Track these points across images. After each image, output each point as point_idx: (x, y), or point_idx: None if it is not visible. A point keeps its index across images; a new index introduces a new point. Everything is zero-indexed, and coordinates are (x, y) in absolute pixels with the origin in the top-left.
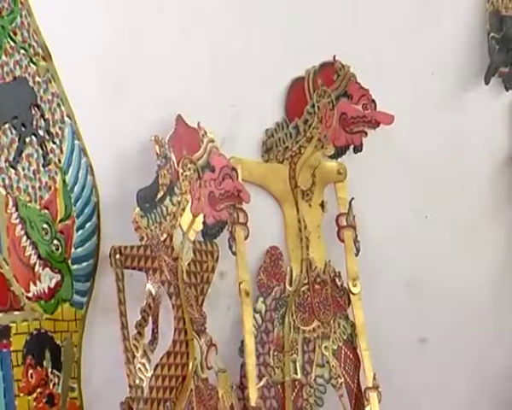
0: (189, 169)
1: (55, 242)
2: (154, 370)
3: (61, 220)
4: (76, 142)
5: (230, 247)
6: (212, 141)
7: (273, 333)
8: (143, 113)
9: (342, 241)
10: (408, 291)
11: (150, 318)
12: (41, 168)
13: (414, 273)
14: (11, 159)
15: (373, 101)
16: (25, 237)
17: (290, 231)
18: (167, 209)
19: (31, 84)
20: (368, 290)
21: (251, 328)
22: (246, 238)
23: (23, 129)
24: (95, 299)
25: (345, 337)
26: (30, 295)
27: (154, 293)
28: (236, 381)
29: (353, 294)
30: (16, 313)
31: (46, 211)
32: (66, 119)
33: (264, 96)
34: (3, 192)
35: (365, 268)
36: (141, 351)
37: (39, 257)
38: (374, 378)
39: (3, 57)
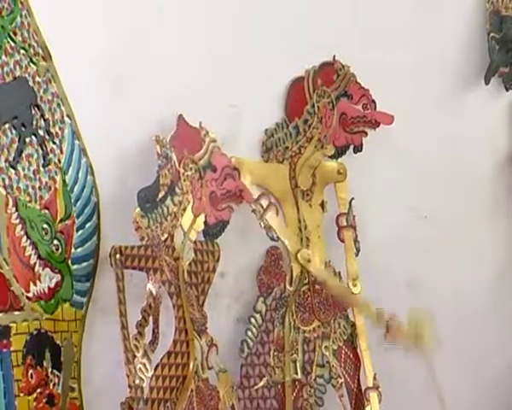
0: (191, 169)
1: (55, 242)
2: (155, 370)
3: (61, 220)
4: (76, 142)
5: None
6: (214, 141)
7: (273, 333)
8: (143, 113)
9: (342, 241)
10: (408, 291)
11: (151, 318)
12: (41, 168)
13: (414, 273)
14: (11, 159)
15: (373, 101)
16: (25, 237)
17: (290, 231)
18: (168, 209)
19: (31, 84)
20: (368, 290)
21: None
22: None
23: (23, 129)
24: (95, 299)
25: (345, 337)
26: (30, 295)
27: (154, 293)
28: (237, 381)
29: (354, 294)
30: (16, 313)
31: (46, 211)
32: (66, 119)
33: (264, 96)
34: (3, 192)
35: (365, 268)
36: (141, 351)
37: (39, 257)
38: (374, 378)
39: (3, 57)
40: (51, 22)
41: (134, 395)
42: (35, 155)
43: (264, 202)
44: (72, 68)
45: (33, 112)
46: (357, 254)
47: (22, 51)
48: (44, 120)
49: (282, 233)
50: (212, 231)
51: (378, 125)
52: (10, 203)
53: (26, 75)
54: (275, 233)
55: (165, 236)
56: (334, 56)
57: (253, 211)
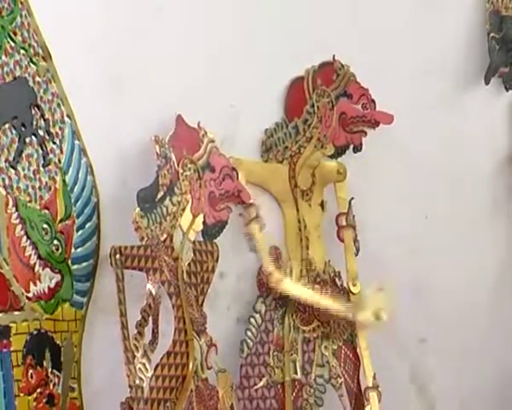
0: (190, 169)
1: (55, 242)
2: (154, 370)
3: (61, 220)
4: (76, 142)
5: (251, 248)
6: (213, 141)
7: (273, 333)
8: (143, 113)
9: (342, 240)
10: (408, 291)
11: (150, 318)
12: (41, 168)
13: (414, 273)
14: (11, 159)
15: (372, 100)
16: (25, 237)
17: (290, 231)
18: (167, 209)
19: (31, 84)
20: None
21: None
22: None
23: (23, 129)
24: (95, 299)
25: (344, 337)
26: (30, 295)
27: (154, 293)
28: (236, 381)
29: (353, 294)
30: (16, 313)
31: (46, 211)
32: (66, 119)
33: (263, 96)
34: (3, 192)
35: (365, 268)
36: (141, 351)
37: (39, 257)
38: (374, 378)
39: (3, 57)
40: (51, 22)
41: (134, 395)
42: (35, 155)
43: (252, 213)
44: (72, 68)
45: (33, 112)
46: (356, 254)
47: (22, 51)
48: (44, 120)
49: (263, 248)
50: (211, 232)
51: (378, 125)
52: (10, 203)
53: (26, 75)
54: (255, 244)
55: (165, 236)
56: (333, 56)
57: (240, 215)
